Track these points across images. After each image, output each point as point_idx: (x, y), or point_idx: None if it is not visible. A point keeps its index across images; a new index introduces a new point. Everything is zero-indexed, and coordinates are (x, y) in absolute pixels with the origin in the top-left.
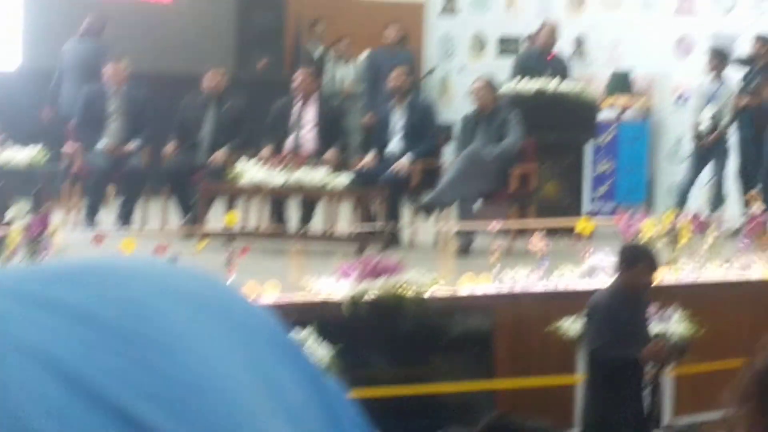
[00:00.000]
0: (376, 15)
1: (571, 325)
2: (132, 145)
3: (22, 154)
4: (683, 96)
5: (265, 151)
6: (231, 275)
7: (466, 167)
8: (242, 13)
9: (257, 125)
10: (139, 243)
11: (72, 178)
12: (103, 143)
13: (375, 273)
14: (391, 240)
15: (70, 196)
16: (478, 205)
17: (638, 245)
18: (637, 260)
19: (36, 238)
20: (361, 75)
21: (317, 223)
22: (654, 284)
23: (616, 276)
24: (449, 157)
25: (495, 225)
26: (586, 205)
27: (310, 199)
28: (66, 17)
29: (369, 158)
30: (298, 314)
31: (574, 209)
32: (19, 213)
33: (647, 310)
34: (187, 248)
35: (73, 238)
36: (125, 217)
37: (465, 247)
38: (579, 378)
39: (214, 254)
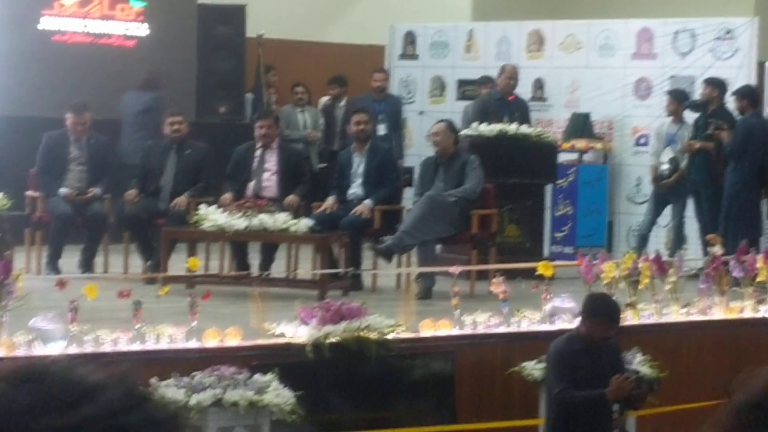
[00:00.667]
0: (338, 57)
1: (534, 367)
2: (93, 192)
3: None
4: (642, 139)
5: (227, 196)
6: (193, 320)
7: (427, 211)
8: (203, 59)
9: (218, 170)
10: (102, 288)
11: (34, 224)
12: (64, 190)
13: (337, 317)
14: (353, 284)
15: (32, 242)
16: (439, 248)
17: (602, 297)
18: (597, 312)
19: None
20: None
21: (279, 267)
22: (613, 336)
23: (578, 323)
24: (410, 200)
25: (456, 268)
26: (547, 247)
27: (271, 243)
28: (18, 67)
29: (330, 202)
30: (261, 358)
31: (535, 252)
32: None
33: (612, 356)
34: (150, 293)
35: (36, 283)
36: (87, 263)
37: (426, 290)
38: (541, 421)
39: (177, 299)
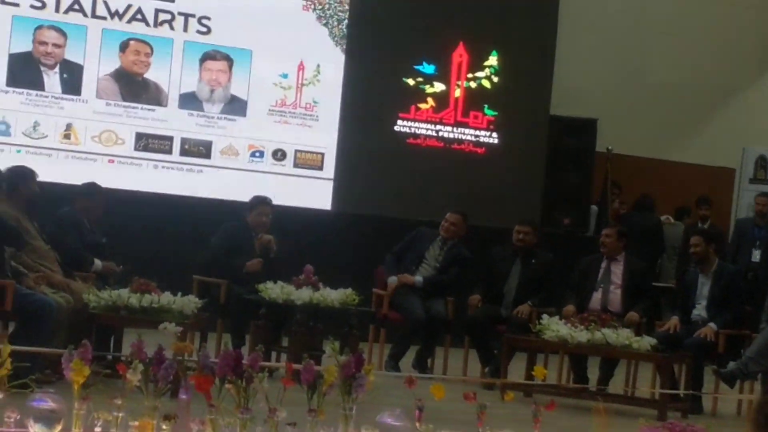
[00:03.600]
0: (686, 177)
1: None
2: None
3: (335, 294)
4: None
5: (570, 307)
6: (536, 429)
7: None
8: (551, 170)
9: (561, 281)
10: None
11: (379, 320)
12: (393, 279)
13: None
14: (693, 407)
15: (375, 339)
16: None
17: None
18: None
19: (351, 376)
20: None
21: (617, 383)
22: None
23: None
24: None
25: None
26: None
27: (612, 358)
28: (372, 166)
29: (674, 322)
30: None
31: None
32: (335, 350)
33: None
34: (489, 398)
35: (379, 380)
36: (422, 363)
37: None
38: None
39: (517, 406)
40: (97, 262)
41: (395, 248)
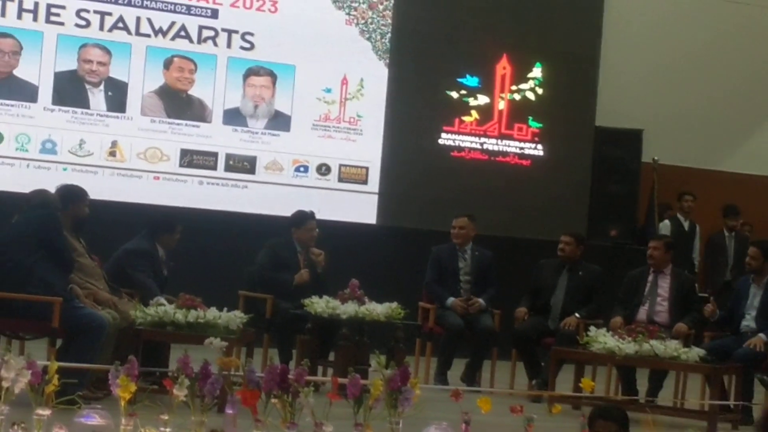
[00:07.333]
0: (735, 185)
1: None
2: (478, 301)
3: (380, 308)
4: None
5: (617, 319)
6: None
7: None
8: (597, 181)
9: (608, 293)
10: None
11: (425, 334)
12: (451, 299)
13: None
14: (744, 417)
15: (422, 352)
16: None
17: None
18: None
19: (398, 390)
20: None
21: (666, 395)
22: None
23: None
24: None
25: None
26: None
27: (660, 370)
28: (417, 180)
29: (722, 334)
30: None
31: None
32: (381, 364)
33: None
34: (536, 411)
35: (426, 393)
36: (471, 376)
37: None
38: None
39: (565, 419)
40: (161, 301)
41: (430, 277)
